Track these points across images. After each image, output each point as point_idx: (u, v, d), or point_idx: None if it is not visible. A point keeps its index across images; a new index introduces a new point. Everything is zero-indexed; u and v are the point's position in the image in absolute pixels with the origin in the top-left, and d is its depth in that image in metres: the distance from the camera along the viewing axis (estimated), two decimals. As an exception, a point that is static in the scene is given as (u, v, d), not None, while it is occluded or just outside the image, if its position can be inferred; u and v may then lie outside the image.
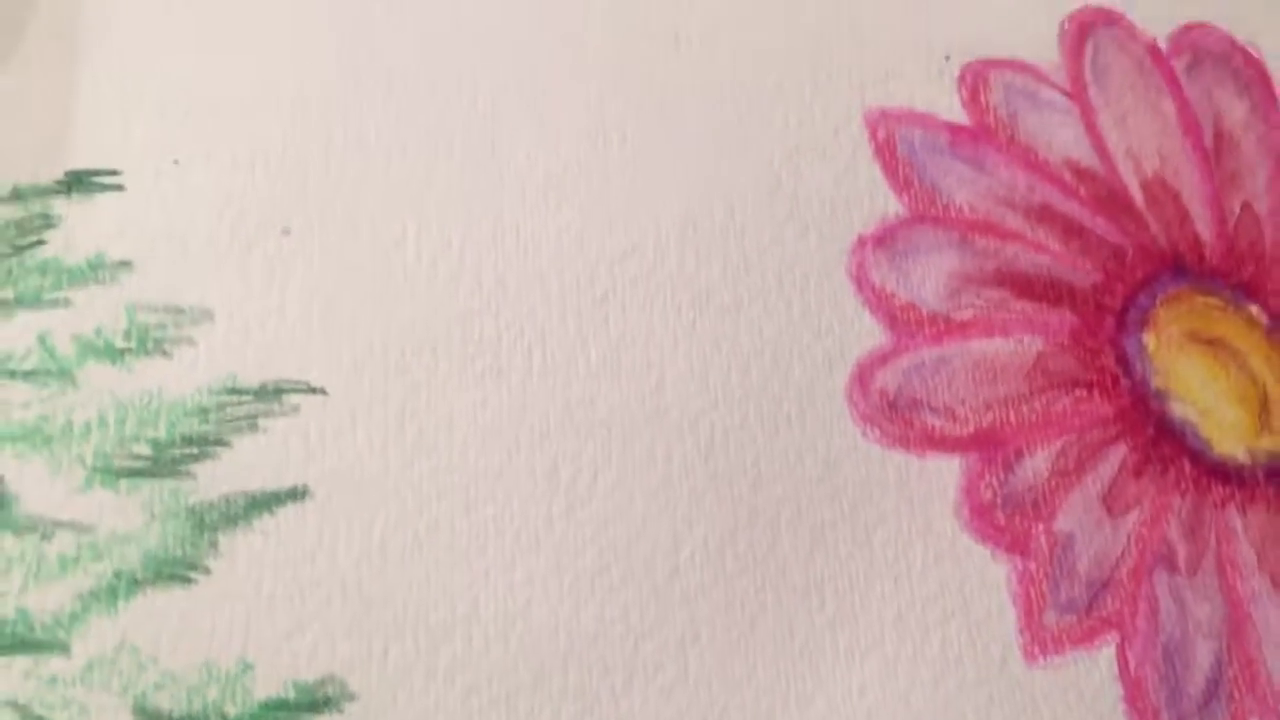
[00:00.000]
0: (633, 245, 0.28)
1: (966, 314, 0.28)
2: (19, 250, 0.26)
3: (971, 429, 0.27)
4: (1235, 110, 0.31)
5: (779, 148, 0.29)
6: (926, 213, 0.29)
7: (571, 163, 0.28)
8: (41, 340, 0.25)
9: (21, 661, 0.23)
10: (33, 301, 0.25)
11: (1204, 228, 0.30)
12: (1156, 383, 0.28)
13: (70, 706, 0.23)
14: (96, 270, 0.26)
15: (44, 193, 0.26)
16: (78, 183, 0.26)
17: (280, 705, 0.23)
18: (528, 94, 0.28)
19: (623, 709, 0.24)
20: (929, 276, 0.28)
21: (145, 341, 0.25)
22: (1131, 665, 0.26)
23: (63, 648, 0.23)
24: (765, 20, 0.30)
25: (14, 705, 0.23)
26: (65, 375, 0.25)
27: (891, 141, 0.30)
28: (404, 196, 0.27)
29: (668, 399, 0.26)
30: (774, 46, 0.30)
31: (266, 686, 0.23)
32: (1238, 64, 0.32)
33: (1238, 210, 0.30)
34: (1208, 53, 0.32)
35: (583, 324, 0.27)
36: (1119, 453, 0.27)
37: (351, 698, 0.23)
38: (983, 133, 0.30)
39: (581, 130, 0.28)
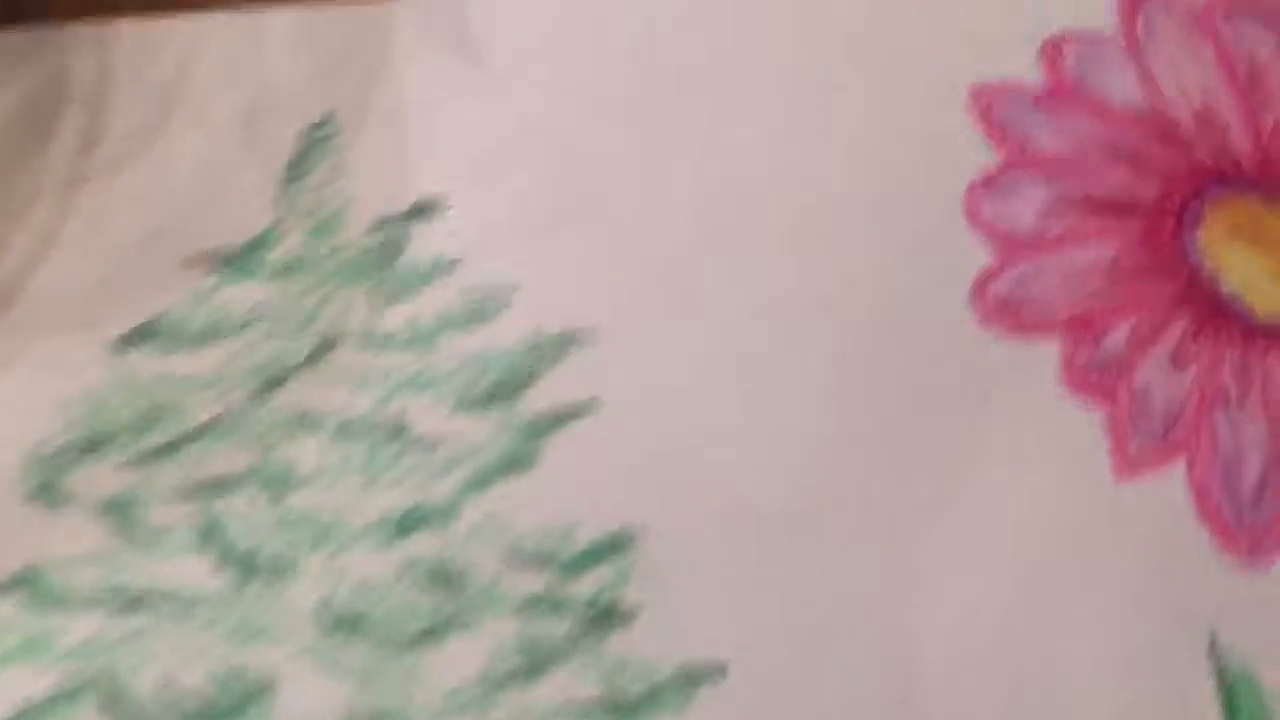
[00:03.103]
0: (806, 207, 0.38)
1: (1056, 232, 0.38)
2: (387, 261, 0.38)
3: (1065, 316, 0.37)
4: (1265, 46, 0.40)
5: (905, 123, 0.39)
6: (1020, 160, 0.39)
7: (764, 144, 0.38)
8: (410, 321, 0.37)
9: (425, 535, 0.35)
10: (400, 296, 0.37)
11: (1242, 145, 0.39)
12: (1209, 266, 0.37)
13: (460, 560, 0.35)
14: (438, 269, 0.38)
15: (398, 220, 0.38)
16: (419, 210, 0.38)
17: (595, 549, 0.35)
18: (731, 95, 0.39)
19: (830, 532, 0.35)
20: (1025, 208, 0.38)
21: (476, 313, 0.37)
22: (1198, 477, 0.35)
23: (452, 519, 0.35)
24: (882, 28, 0.40)
25: (420, 561, 0.35)
26: (428, 342, 0.37)
27: (989, 108, 0.39)
28: (641, 186, 0.38)
29: (831, 315, 0.37)
30: (891, 47, 0.40)
31: (586, 537, 0.35)
32: (1265, 8, 0.40)
33: (1270, 128, 0.39)
34: (1239, 2, 0.40)
35: (770, 261, 0.37)
36: (1181, 323, 0.37)
37: (645, 536, 0.35)
38: (1060, 92, 0.39)
39: (776, 114, 0.39)
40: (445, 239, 0.38)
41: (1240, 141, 0.39)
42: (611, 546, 0.35)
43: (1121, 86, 0.39)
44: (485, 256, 0.38)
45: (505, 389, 0.36)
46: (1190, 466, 0.35)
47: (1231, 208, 0.38)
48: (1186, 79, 0.39)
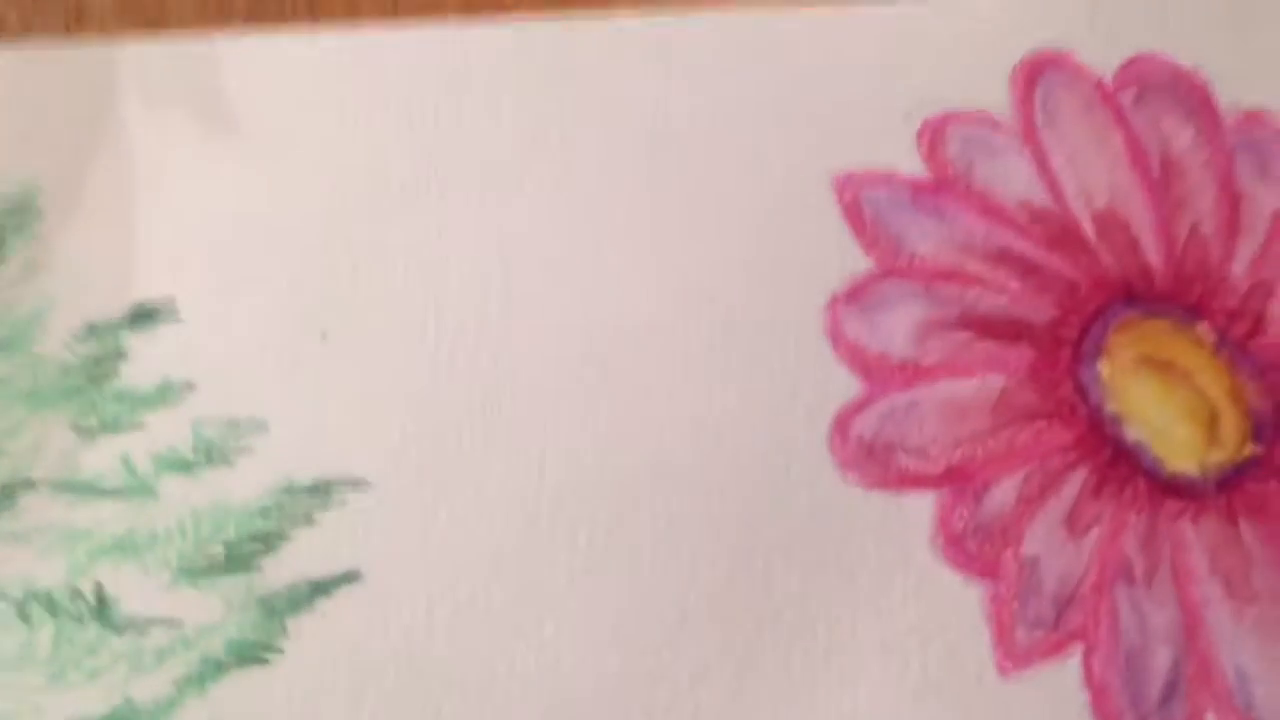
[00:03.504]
0: (628, 322, 0.31)
1: (933, 358, 0.31)
2: (97, 382, 0.30)
3: (942, 466, 0.30)
4: (1181, 136, 0.33)
5: (755, 219, 0.32)
6: (893, 266, 0.32)
7: (569, 250, 0.31)
8: (124, 461, 0.29)
9: (133, 741, 0.27)
10: (113, 427, 0.29)
11: (1153, 254, 0.32)
12: (1111, 407, 0.31)
13: (177, 777, 0.27)
14: (164, 394, 0.30)
15: (113, 328, 0.30)
16: (141, 317, 0.30)
17: (352, 762, 0.27)
18: (525, 198, 0.31)
19: (644, 744, 0.28)
20: (898, 326, 0.31)
21: (211, 454, 0.29)
22: (1096, 672, 0.29)
23: (166, 727, 0.27)
24: (735, 102, 0.33)
25: (131, 772, 0.27)
26: (146, 490, 0.29)
27: (858, 202, 0.32)
28: (422, 298, 0.31)
29: (668, 460, 0.30)
30: (745, 123, 0.33)
31: (339, 747, 0.27)
32: (1182, 91, 0.34)
33: (1185, 234, 0.33)
34: (1152, 83, 0.34)
35: (588, 397, 0.30)
36: (1079, 477, 0.30)
37: (411, 752, 0.27)
38: (942, 185, 0.33)
39: (577, 219, 0.31)
40: (173, 357, 0.30)
41: (1151, 251, 0.32)
42: (368, 768, 0.27)
43: (1014, 180, 0.33)
44: (224, 382, 0.30)
45: (242, 555, 0.29)
46: (1087, 657, 0.29)
47: (1139, 332, 0.32)
48: (1090, 173, 0.33)
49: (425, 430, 0.30)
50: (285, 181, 0.31)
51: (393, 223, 0.31)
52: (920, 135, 0.33)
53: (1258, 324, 0.32)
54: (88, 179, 0.31)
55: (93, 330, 0.30)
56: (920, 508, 0.30)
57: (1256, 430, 0.31)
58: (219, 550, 0.29)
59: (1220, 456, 0.31)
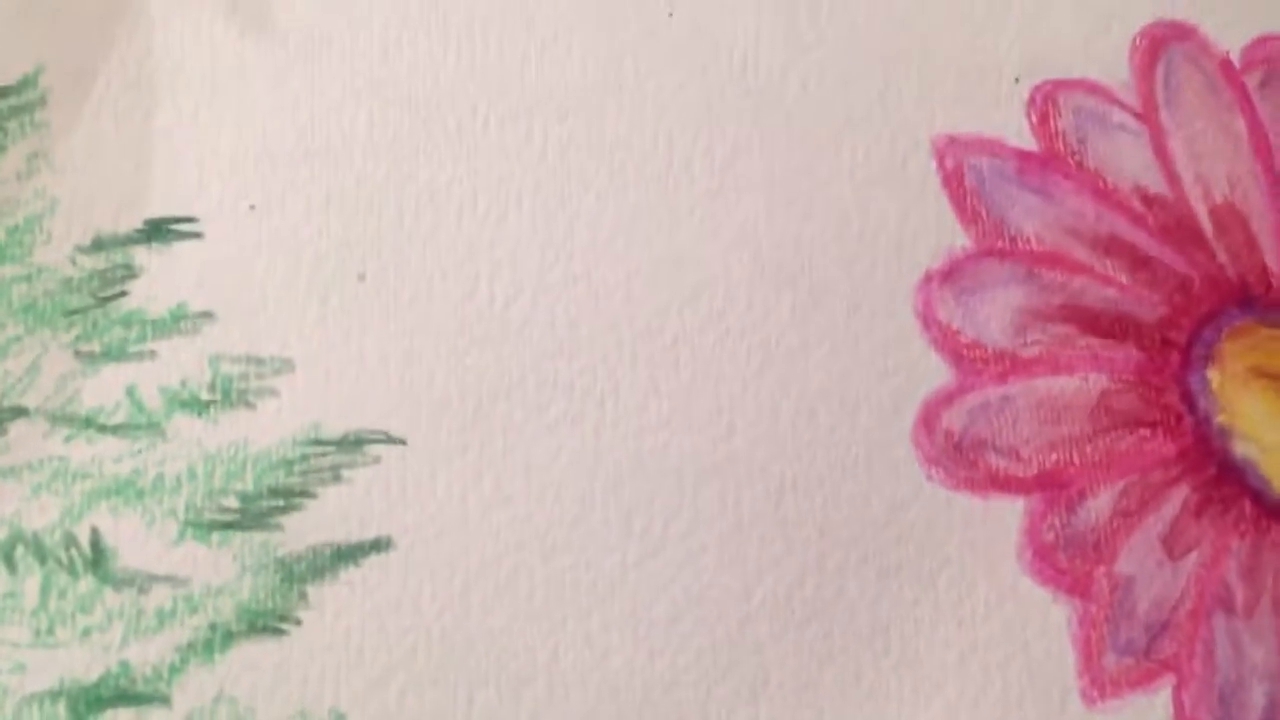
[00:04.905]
0: (702, 287, 0.28)
1: (1032, 351, 0.28)
2: (103, 302, 0.26)
3: (1035, 470, 0.28)
4: (1308, 130, 0.31)
5: (847, 181, 0.29)
6: (993, 245, 0.29)
7: (640, 206, 0.28)
8: (130, 393, 0.26)
9: (124, 714, 0.24)
10: (119, 354, 0.26)
11: (1272, 257, 0.30)
12: (1220, 420, 0.28)
13: (174, 756, 0.24)
14: (179, 321, 0.26)
15: (124, 242, 0.26)
16: (157, 231, 0.27)
17: (371, 752, 0.24)
18: (595, 141, 0.28)
19: (696, 754, 0.25)
20: (995, 312, 0.29)
21: (229, 393, 0.26)
22: (1188, 708, 0.26)
23: (163, 700, 0.24)
24: (832, 50, 0.30)
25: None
26: (154, 428, 0.26)
27: (959, 170, 0.29)
28: (476, 244, 0.27)
29: (737, 445, 0.27)
30: (841, 76, 0.30)
31: (357, 735, 0.24)
32: (1312, 80, 0.31)
33: (1307, 238, 0.30)
34: (1282, 68, 0.31)
35: (654, 369, 0.27)
36: (1180, 493, 0.28)
37: (438, 746, 0.25)
38: (1051, 159, 0.30)
39: (649, 173, 0.28)
40: (191, 280, 0.26)
41: (1269, 252, 0.30)
42: (390, 761, 0.24)
43: (1129, 161, 0.30)
44: (248, 314, 0.26)
45: (260, 510, 0.25)
46: (1178, 691, 0.27)
47: (1253, 340, 0.29)
48: (1210, 161, 0.30)
49: (471, 392, 0.26)
50: (324, 97, 0.27)
51: (444, 161, 0.28)
52: (1030, 102, 0.30)
53: (1376, 341, 0.29)
54: (100, 64, 0.27)
55: (101, 242, 0.26)
56: (1008, 513, 0.27)
57: (1375, 458, 0.28)
58: (233, 503, 0.25)
59: (1331, 483, 0.28)
